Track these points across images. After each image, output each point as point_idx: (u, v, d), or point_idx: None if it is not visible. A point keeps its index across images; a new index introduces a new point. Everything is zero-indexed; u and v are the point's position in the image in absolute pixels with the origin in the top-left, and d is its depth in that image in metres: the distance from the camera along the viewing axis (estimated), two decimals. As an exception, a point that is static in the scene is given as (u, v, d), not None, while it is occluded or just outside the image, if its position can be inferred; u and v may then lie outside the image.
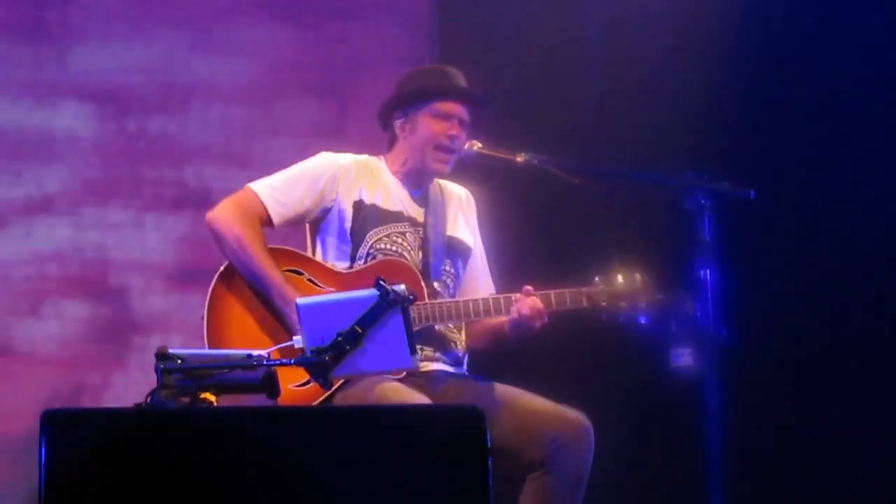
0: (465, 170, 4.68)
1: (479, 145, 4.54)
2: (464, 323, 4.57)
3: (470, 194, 4.77)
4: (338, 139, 5.68)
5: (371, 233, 4.49)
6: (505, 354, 4.67)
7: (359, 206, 4.51)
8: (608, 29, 6.17)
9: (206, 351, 3.90)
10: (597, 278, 4.46)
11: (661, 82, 6.00)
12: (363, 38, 6.12)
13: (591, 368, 5.90)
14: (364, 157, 4.63)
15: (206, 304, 4.41)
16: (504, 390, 4.44)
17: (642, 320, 4.45)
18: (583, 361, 5.87)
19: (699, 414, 4.09)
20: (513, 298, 4.42)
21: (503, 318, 4.46)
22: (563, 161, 4.50)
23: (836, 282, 5.90)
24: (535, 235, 5.90)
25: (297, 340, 3.77)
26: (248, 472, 3.18)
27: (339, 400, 4.26)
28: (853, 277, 5.91)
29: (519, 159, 4.48)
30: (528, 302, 4.38)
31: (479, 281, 4.70)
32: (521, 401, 4.39)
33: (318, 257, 4.54)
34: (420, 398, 4.19)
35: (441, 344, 4.51)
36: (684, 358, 4.26)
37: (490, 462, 3.28)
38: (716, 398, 4.04)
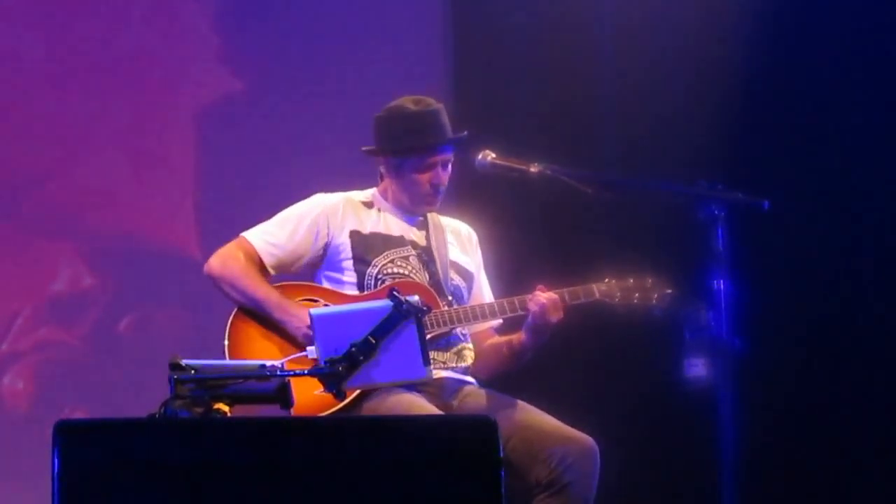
0: (478, 180, 4.67)
1: (493, 155, 4.52)
2: (476, 329, 4.57)
3: (472, 230, 4.75)
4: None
5: (375, 260, 4.49)
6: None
7: (356, 236, 4.51)
8: (620, 39, 6.17)
9: (220, 361, 3.90)
10: (607, 279, 4.51)
11: (674, 92, 6.00)
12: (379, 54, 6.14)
13: (604, 379, 5.89)
14: (355, 192, 4.62)
15: (228, 326, 4.43)
16: (514, 405, 4.43)
17: (657, 312, 4.49)
18: (595, 372, 5.86)
19: (713, 424, 4.08)
20: (527, 298, 4.43)
21: (511, 336, 4.50)
22: (576, 171, 4.50)
23: (849, 292, 5.89)
24: (547, 245, 5.90)
25: (311, 351, 3.77)
26: (261, 482, 3.18)
27: (361, 412, 4.27)
28: (867, 287, 5.90)
29: (532, 169, 4.46)
30: (544, 296, 4.40)
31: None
32: (530, 418, 4.37)
33: None
34: (433, 412, 4.19)
35: (452, 352, 4.50)
36: (698, 368, 4.26)
37: (503, 473, 3.27)
38: (729, 408, 4.04)
